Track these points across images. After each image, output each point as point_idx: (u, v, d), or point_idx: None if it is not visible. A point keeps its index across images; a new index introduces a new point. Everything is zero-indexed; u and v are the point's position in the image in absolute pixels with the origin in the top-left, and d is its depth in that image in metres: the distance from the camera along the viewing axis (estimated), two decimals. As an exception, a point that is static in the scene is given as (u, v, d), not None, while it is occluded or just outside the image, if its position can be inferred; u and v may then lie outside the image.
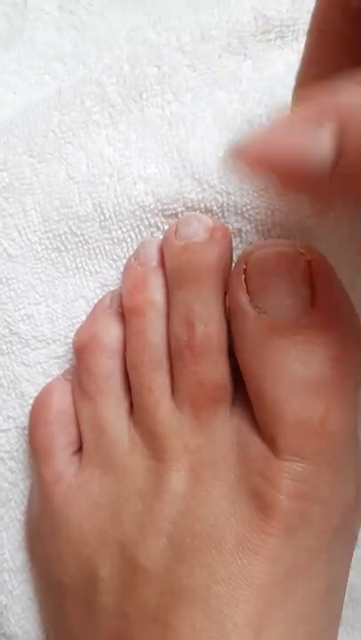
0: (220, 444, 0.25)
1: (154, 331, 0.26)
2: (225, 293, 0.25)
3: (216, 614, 0.23)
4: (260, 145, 0.17)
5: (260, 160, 0.17)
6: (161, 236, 0.28)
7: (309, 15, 0.28)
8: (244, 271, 0.24)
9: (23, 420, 0.30)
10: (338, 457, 0.23)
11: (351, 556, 0.26)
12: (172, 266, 0.26)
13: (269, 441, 0.23)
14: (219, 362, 0.25)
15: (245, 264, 0.24)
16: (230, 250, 0.26)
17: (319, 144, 0.16)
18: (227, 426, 0.25)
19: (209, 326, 0.25)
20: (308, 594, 0.24)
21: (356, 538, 0.26)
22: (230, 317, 0.25)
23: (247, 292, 0.24)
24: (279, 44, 0.29)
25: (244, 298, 0.24)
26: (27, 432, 0.29)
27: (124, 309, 0.27)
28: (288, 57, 0.28)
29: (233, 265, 0.25)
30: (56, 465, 0.28)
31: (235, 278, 0.24)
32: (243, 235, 0.27)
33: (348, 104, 0.16)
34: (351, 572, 0.27)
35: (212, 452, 0.25)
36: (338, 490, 0.24)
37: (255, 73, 0.28)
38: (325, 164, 0.17)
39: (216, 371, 0.25)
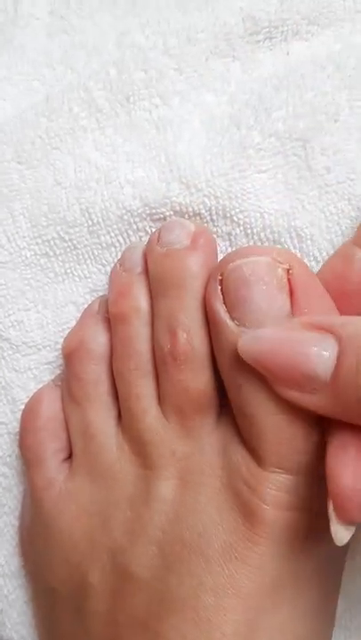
0: (206, 452, 0.25)
1: (139, 338, 0.26)
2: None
3: (205, 624, 0.22)
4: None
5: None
6: (148, 241, 0.27)
7: (298, 16, 0.28)
8: (220, 281, 0.23)
9: (15, 426, 0.30)
10: (323, 467, 0.23)
11: (343, 562, 0.26)
12: (154, 273, 0.26)
13: (253, 452, 0.23)
14: (203, 370, 0.25)
15: (221, 274, 0.23)
16: (214, 255, 0.26)
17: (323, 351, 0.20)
18: (213, 434, 0.25)
19: (191, 334, 0.24)
20: (298, 602, 0.23)
21: (345, 546, 0.26)
22: (210, 327, 0.24)
23: (224, 303, 0.23)
24: (268, 45, 0.28)
25: (221, 309, 0.23)
26: (18, 438, 0.29)
27: (109, 316, 0.27)
28: (277, 58, 0.28)
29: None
30: (46, 471, 0.28)
31: (211, 289, 0.24)
32: (232, 238, 0.27)
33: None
34: (344, 578, 0.27)
35: (199, 460, 0.25)
36: (324, 499, 0.23)
37: (244, 74, 0.28)
38: (326, 371, 0.20)
39: (200, 379, 0.25)
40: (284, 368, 0.21)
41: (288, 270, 0.23)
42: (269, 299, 0.22)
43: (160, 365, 0.25)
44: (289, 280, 0.22)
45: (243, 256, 0.23)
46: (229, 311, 0.23)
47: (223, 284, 0.23)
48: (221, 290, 0.23)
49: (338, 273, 0.24)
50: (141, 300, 0.26)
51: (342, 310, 0.23)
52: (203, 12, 0.29)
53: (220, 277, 0.23)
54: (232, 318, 0.23)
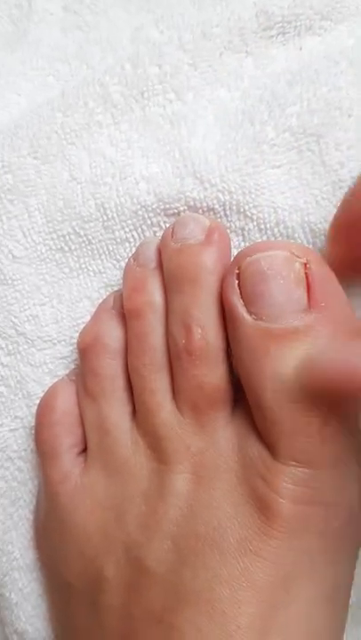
0: (221, 447, 0.25)
1: (153, 333, 0.26)
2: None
3: (220, 616, 0.23)
4: None
5: None
6: (163, 236, 0.28)
7: (311, 11, 0.28)
8: (238, 275, 0.23)
9: (31, 420, 0.30)
10: (339, 459, 0.23)
11: (356, 556, 0.26)
12: (168, 268, 0.26)
13: (269, 446, 0.23)
14: (218, 365, 0.25)
15: (238, 268, 0.23)
16: (228, 250, 0.26)
17: None
18: (228, 428, 0.25)
19: (206, 329, 0.25)
20: (312, 595, 0.24)
21: (359, 538, 0.26)
22: (227, 321, 0.24)
23: (241, 297, 0.23)
24: (281, 40, 0.28)
25: (238, 303, 0.23)
26: (34, 432, 0.29)
27: (124, 311, 0.27)
28: (290, 53, 0.28)
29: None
30: (62, 465, 0.28)
31: (228, 283, 0.24)
32: (245, 234, 0.27)
33: None
34: (356, 573, 0.27)
35: (213, 455, 0.25)
36: (340, 492, 0.24)
37: (257, 70, 0.28)
38: None
39: (215, 374, 0.25)
40: None
41: (305, 265, 0.23)
42: (287, 293, 0.22)
43: (175, 360, 0.25)
44: (306, 274, 0.23)
45: (260, 250, 0.23)
46: (246, 305, 0.23)
47: (240, 278, 0.23)
48: (238, 284, 0.23)
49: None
50: (156, 295, 0.26)
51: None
52: (217, 7, 0.29)
53: (237, 271, 0.23)
54: (249, 312, 0.23)
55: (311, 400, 0.22)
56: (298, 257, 0.23)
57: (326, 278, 0.23)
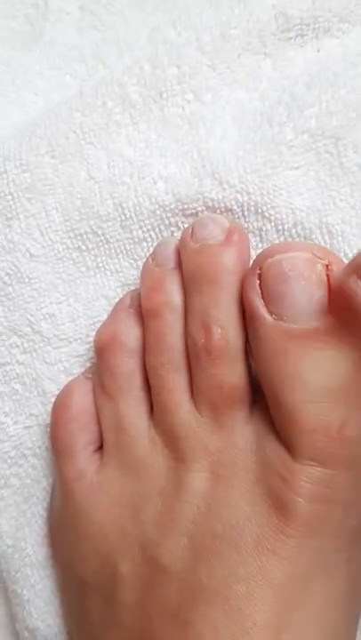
0: (239, 446, 0.25)
1: (172, 333, 0.26)
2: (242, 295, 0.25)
3: (236, 613, 0.23)
4: None
5: None
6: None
7: (330, 13, 0.28)
8: (259, 276, 0.24)
9: (45, 418, 0.30)
10: (356, 460, 0.23)
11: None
12: (188, 268, 0.26)
13: (288, 445, 0.23)
14: (236, 365, 0.25)
15: (260, 269, 0.24)
16: (247, 251, 0.26)
17: None
18: (246, 428, 0.25)
19: (226, 329, 0.25)
20: (328, 594, 0.24)
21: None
22: (247, 321, 0.25)
23: (262, 298, 0.23)
24: (299, 42, 0.28)
25: (259, 303, 0.23)
26: (49, 430, 0.29)
27: (142, 310, 0.27)
28: (308, 55, 0.28)
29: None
30: (77, 463, 0.28)
31: (249, 283, 0.24)
32: (263, 234, 0.27)
33: None
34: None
35: (231, 454, 0.25)
36: (357, 492, 0.24)
37: (275, 72, 0.28)
38: None
39: (234, 374, 0.25)
40: None
41: (327, 266, 0.23)
42: (308, 294, 0.23)
43: (193, 360, 0.25)
44: (327, 276, 0.23)
45: (282, 251, 0.23)
46: (267, 305, 0.23)
47: (262, 278, 0.23)
48: (260, 284, 0.23)
49: None
50: (174, 294, 0.26)
51: None
52: (235, 9, 0.29)
53: (258, 272, 0.24)
54: (270, 312, 0.23)
55: (331, 400, 0.22)
56: (320, 258, 0.23)
57: None
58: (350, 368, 0.23)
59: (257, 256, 0.24)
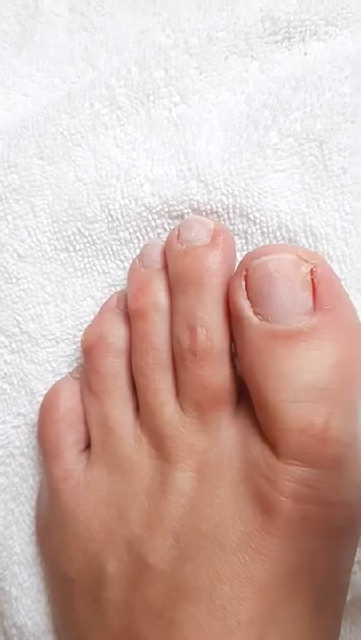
0: (224, 446, 0.25)
1: (158, 333, 0.26)
2: (228, 297, 0.25)
3: (220, 612, 0.23)
4: None
5: None
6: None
7: (317, 16, 0.28)
8: (245, 277, 0.24)
9: (33, 417, 0.30)
10: (341, 460, 0.23)
11: (354, 555, 0.27)
12: (174, 270, 0.26)
13: (272, 445, 0.24)
14: (222, 365, 0.25)
15: (246, 270, 0.24)
16: (233, 253, 0.26)
17: None
18: (231, 427, 0.25)
19: (211, 331, 0.25)
20: (311, 594, 0.24)
21: (358, 538, 0.26)
22: (232, 323, 0.25)
23: (248, 299, 0.24)
24: (286, 45, 0.29)
25: (244, 304, 0.24)
26: (36, 429, 0.30)
27: (128, 311, 0.27)
28: (295, 58, 0.29)
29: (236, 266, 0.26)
30: (65, 462, 0.28)
31: (235, 284, 0.24)
32: (248, 236, 0.28)
33: None
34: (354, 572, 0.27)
35: (216, 454, 0.25)
36: (341, 492, 0.24)
37: (262, 74, 0.29)
38: None
39: (219, 374, 0.25)
40: None
41: (312, 268, 0.23)
42: (293, 295, 0.23)
43: (179, 361, 0.26)
44: (312, 278, 0.23)
45: (268, 253, 0.24)
46: (253, 306, 0.24)
47: (248, 279, 0.24)
48: (246, 286, 0.24)
49: None
50: (160, 296, 0.26)
51: None
52: (223, 12, 0.29)
53: (244, 273, 0.24)
54: (255, 313, 0.23)
55: (315, 399, 0.23)
56: (305, 260, 0.23)
57: (332, 282, 0.24)
58: (334, 368, 0.23)
59: (243, 258, 0.24)
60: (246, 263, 0.24)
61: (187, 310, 0.25)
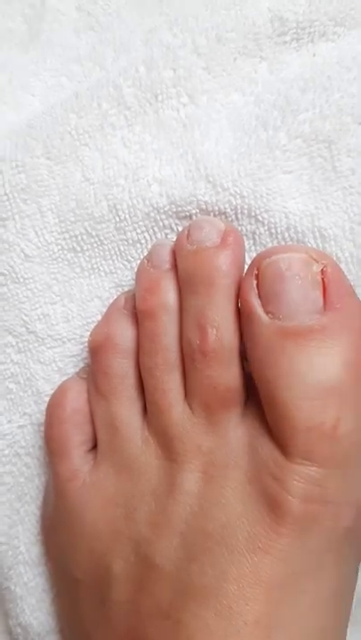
0: (232, 446, 0.25)
1: (167, 334, 0.26)
2: (237, 297, 0.25)
3: (227, 612, 0.23)
4: None
5: None
6: (175, 238, 0.28)
7: (325, 17, 0.28)
8: (256, 276, 0.24)
9: (39, 417, 0.30)
10: (349, 460, 0.24)
11: (361, 555, 0.27)
12: (183, 270, 0.26)
13: (281, 444, 0.24)
14: (231, 366, 0.25)
15: (257, 269, 0.24)
16: (242, 253, 0.26)
17: None
18: (239, 428, 0.25)
19: (221, 331, 0.25)
20: (319, 593, 0.24)
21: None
22: (242, 321, 0.25)
23: (259, 297, 0.24)
24: (295, 45, 0.29)
25: (255, 303, 0.24)
26: (42, 429, 0.30)
27: (137, 312, 0.27)
28: (304, 59, 0.29)
29: (245, 268, 0.26)
30: (71, 463, 0.28)
31: (247, 283, 0.24)
32: (256, 237, 0.28)
33: None
34: (361, 572, 0.27)
35: (224, 454, 0.25)
36: (349, 492, 0.24)
37: (271, 75, 0.28)
38: None
39: (228, 375, 0.25)
40: None
41: (322, 268, 0.23)
42: (304, 293, 0.23)
43: (188, 361, 0.26)
44: (323, 277, 0.23)
45: (279, 252, 0.24)
46: (264, 305, 0.24)
47: (259, 278, 0.24)
48: (257, 284, 0.24)
49: None
50: (169, 296, 0.26)
51: None
52: (231, 12, 0.29)
53: (255, 272, 0.24)
54: (266, 312, 0.24)
55: (325, 398, 0.23)
56: (315, 260, 0.23)
57: (341, 282, 0.24)
58: (344, 366, 0.23)
59: (255, 257, 0.25)
60: (258, 262, 0.24)
61: (197, 310, 0.25)
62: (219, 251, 0.25)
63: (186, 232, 0.26)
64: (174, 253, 0.27)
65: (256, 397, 0.25)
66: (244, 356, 0.25)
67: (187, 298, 0.26)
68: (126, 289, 0.29)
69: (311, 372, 0.23)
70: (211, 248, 0.25)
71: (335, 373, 0.23)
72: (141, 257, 0.29)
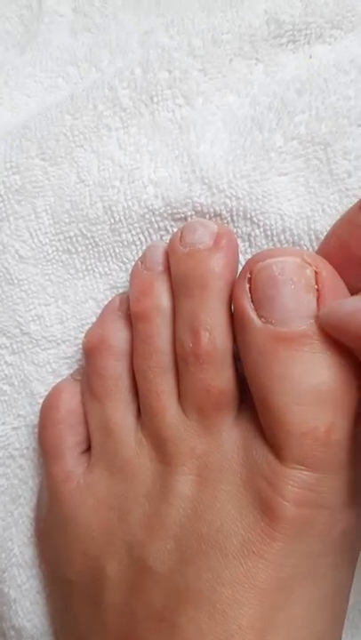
0: (226, 449, 0.25)
1: (160, 336, 0.26)
2: (231, 300, 0.25)
3: (221, 616, 0.23)
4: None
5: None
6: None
7: (322, 19, 0.28)
8: (249, 280, 0.24)
9: (33, 419, 0.30)
10: (343, 464, 0.23)
11: (356, 559, 0.27)
12: (176, 273, 0.26)
13: (275, 449, 0.23)
14: (224, 369, 0.25)
15: (250, 273, 0.24)
16: (236, 256, 0.26)
17: None
18: (233, 431, 0.25)
19: (214, 334, 0.25)
20: (313, 598, 0.24)
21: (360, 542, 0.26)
22: (235, 325, 0.25)
23: (252, 301, 0.24)
24: (291, 47, 0.29)
25: (248, 307, 0.24)
26: (36, 430, 0.30)
27: (131, 314, 0.27)
28: (300, 61, 0.28)
29: (239, 269, 0.25)
30: (65, 464, 0.28)
31: (239, 287, 0.24)
32: (252, 239, 0.28)
33: None
34: (356, 576, 0.27)
35: (218, 457, 0.25)
36: (343, 496, 0.24)
37: (266, 77, 0.28)
38: None
39: (222, 378, 0.25)
40: None
41: (316, 271, 0.23)
42: (297, 298, 0.23)
43: (181, 364, 0.26)
44: (316, 281, 0.23)
45: (272, 256, 0.23)
46: (257, 309, 0.23)
47: (252, 282, 0.24)
48: (250, 288, 0.24)
49: (343, 240, 0.24)
50: (163, 298, 0.26)
51: (346, 278, 0.24)
52: (227, 14, 0.29)
53: (248, 276, 0.24)
54: (259, 316, 0.23)
55: (318, 403, 0.23)
56: (309, 264, 0.23)
57: (336, 285, 0.23)
58: (338, 371, 0.23)
59: (247, 261, 0.24)
60: (250, 266, 0.24)
61: (190, 313, 0.25)
62: (211, 253, 0.25)
63: (179, 234, 0.26)
64: (168, 256, 0.27)
65: (250, 400, 0.25)
66: (237, 358, 0.25)
67: (180, 300, 0.26)
68: (121, 290, 0.29)
69: (305, 378, 0.23)
70: (203, 250, 0.25)
71: (329, 378, 0.23)
72: (136, 259, 0.29)
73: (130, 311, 0.27)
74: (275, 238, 0.27)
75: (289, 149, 0.27)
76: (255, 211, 0.27)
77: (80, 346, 0.29)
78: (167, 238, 0.28)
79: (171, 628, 0.23)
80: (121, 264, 0.29)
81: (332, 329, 0.22)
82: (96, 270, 0.29)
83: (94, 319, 0.29)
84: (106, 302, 0.29)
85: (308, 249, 0.27)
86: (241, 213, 0.27)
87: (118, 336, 0.27)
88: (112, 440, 0.27)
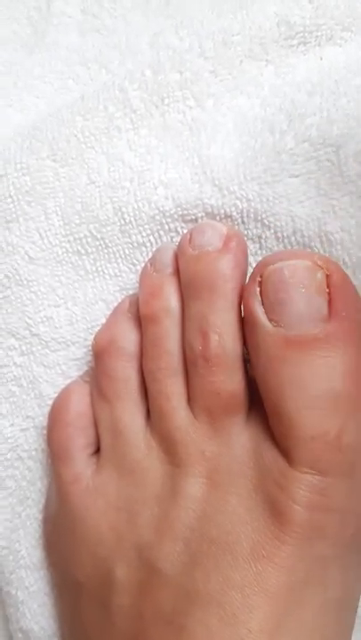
0: (236, 452, 0.25)
1: (170, 338, 0.26)
2: (240, 302, 0.25)
3: (231, 619, 0.23)
4: None
5: None
6: (180, 242, 0.28)
7: (333, 21, 0.28)
8: (260, 283, 0.24)
9: (42, 420, 0.30)
10: (353, 468, 0.23)
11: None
12: (186, 275, 0.26)
13: (285, 452, 0.23)
14: (234, 372, 0.25)
15: (261, 276, 0.24)
16: (245, 258, 0.26)
17: None
18: (243, 434, 0.25)
19: (223, 336, 0.25)
20: (323, 602, 0.24)
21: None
22: (245, 329, 0.25)
23: (262, 305, 0.24)
24: (302, 49, 0.28)
25: (259, 310, 0.24)
26: (45, 432, 0.30)
27: (140, 316, 0.27)
28: (311, 63, 0.28)
29: (249, 271, 0.25)
30: (74, 466, 0.28)
31: (250, 290, 0.24)
32: (262, 241, 0.28)
33: None
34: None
35: (228, 460, 0.25)
36: (353, 500, 0.24)
37: (277, 79, 0.28)
38: None
39: (231, 380, 0.25)
40: None
41: (327, 275, 0.23)
42: (308, 301, 0.23)
43: (191, 366, 0.26)
44: (327, 284, 0.23)
45: (283, 259, 0.23)
46: (267, 312, 0.23)
47: (262, 285, 0.24)
48: (260, 291, 0.24)
49: None
50: (172, 300, 0.26)
51: None
52: (237, 15, 0.29)
53: (259, 279, 0.24)
54: (269, 319, 0.23)
55: (329, 407, 0.22)
56: (320, 267, 0.23)
57: (347, 289, 0.23)
58: (348, 375, 0.23)
59: (258, 263, 0.24)
60: (261, 269, 0.24)
61: (199, 315, 0.25)
62: (221, 255, 0.25)
63: (188, 236, 0.26)
64: (177, 258, 0.27)
65: (260, 403, 0.25)
66: (247, 360, 0.25)
67: (189, 302, 0.26)
68: (131, 292, 0.29)
69: (316, 382, 0.23)
70: (212, 252, 0.25)
71: (340, 383, 0.23)
72: (146, 260, 0.29)
73: (139, 313, 0.27)
74: (285, 240, 0.27)
75: (300, 151, 0.27)
76: (266, 212, 0.27)
77: (89, 347, 0.29)
78: (177, 240, 0.28)
79: (180, 630, 0.23)
80: (131, 265, 0.29)
81: None
82: (106, 272, 0.29)
83: (104, 321, 0.29)
84: (116, 304, 0.29)
85: (318, 251, 0.27)
86: (252, 215, 0.27)
87: (128, 338, 0.27)
88: (121, 442, 0.27)
